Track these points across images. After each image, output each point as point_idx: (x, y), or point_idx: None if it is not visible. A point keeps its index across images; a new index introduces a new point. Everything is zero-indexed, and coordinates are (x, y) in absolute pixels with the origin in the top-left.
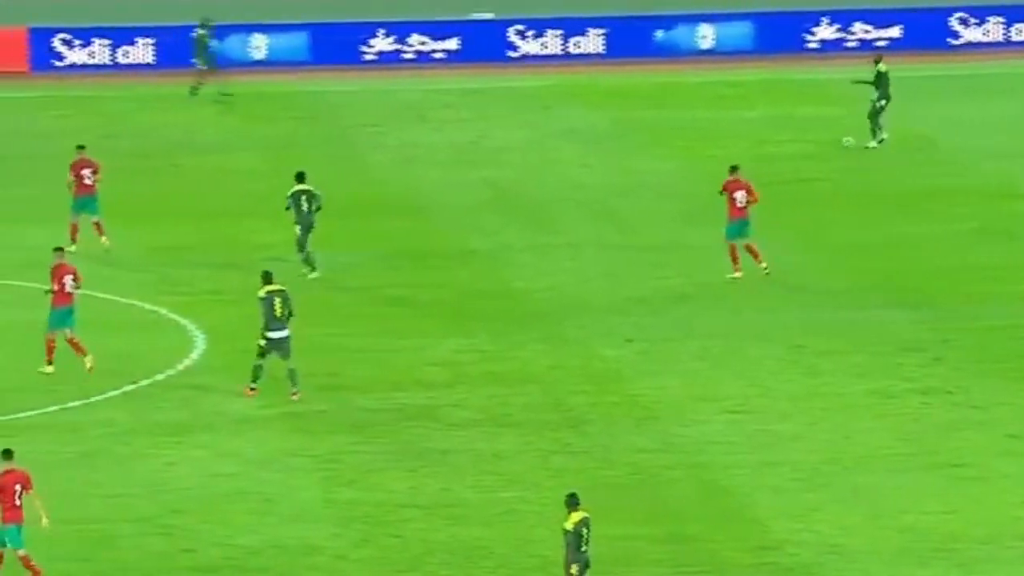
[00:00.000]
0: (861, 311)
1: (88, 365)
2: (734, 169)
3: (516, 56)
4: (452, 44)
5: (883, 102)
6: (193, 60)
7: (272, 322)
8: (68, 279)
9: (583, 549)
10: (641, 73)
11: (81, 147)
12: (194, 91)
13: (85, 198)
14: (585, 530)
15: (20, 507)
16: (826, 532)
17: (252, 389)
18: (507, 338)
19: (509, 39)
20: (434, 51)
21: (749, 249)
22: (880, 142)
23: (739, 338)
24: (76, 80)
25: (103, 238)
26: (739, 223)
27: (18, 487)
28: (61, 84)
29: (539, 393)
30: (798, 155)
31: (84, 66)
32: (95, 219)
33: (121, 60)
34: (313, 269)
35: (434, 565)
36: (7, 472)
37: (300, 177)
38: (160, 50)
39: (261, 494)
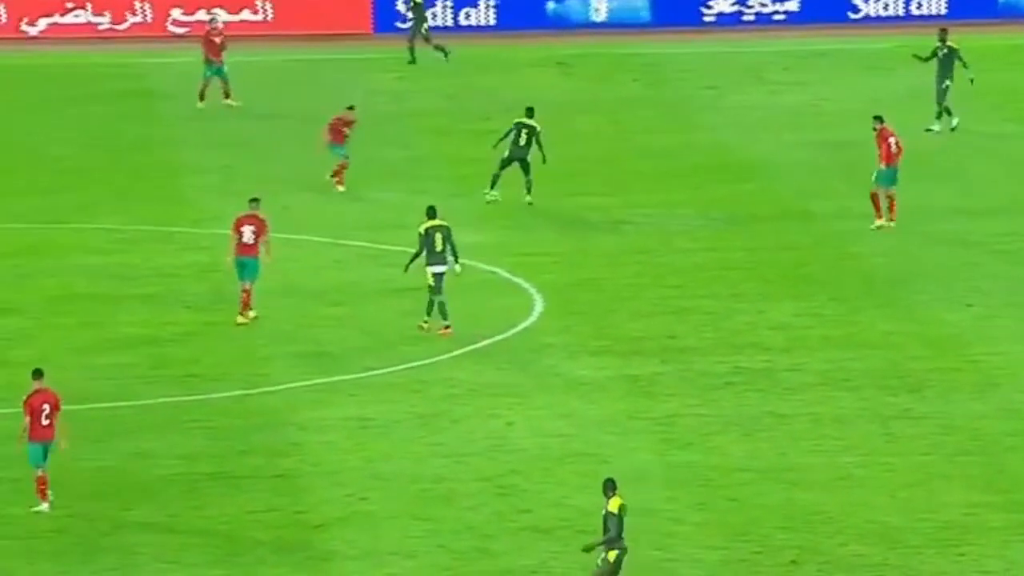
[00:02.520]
0: None
1: (239, 321)
2: (880, 119)
3: (857, 17)
4: (793, 5)
5: (947, 82)
6: (419, 28)
7: (432, 256)
8: (246, 230)
9: (623, 536)
10: (985, 35)
11: (350, 107)
12: (446, 53)
13: (334, 145)
14: (625, 516)
15: (48, 427)
16: None
17: (447, 327)
18: (845, 302)
19: (851, 0)
20: (774, 12)
21: (890, 198)
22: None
23: None
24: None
25: (337, 177)
26: (892, 170)
27: (46, 407)
28: (404, 45)
29: (878, 358)
30: None
31: None
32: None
33: (463, 22)
34: (492, 189)
35: (770, 529)
36: (37, 391)
37: (529, 111)
38: (501, 12)
39: (597, 456)
